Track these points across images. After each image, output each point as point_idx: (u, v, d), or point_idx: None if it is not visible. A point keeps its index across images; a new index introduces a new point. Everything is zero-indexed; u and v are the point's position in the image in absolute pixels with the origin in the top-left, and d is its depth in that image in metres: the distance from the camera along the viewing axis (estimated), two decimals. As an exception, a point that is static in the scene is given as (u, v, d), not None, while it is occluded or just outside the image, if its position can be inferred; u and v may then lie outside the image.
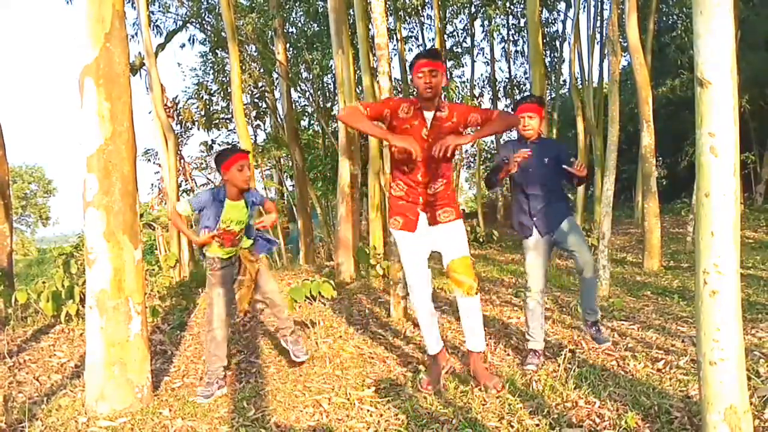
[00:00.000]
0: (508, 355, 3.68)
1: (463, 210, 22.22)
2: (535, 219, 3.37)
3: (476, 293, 3.02)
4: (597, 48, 15.14)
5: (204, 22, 14.34)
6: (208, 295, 3.33)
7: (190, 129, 16.00)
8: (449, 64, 17.20)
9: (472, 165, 24.09)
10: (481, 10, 15.71)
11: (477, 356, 3.10)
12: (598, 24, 14.56)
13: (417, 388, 3.08)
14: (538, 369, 3.29)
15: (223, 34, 12.30)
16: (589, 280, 3.49)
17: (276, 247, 3.66)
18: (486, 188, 3.57)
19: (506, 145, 3.59)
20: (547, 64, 16.98)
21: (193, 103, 15.20)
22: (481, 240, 12.99)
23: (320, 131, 16.92)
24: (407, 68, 3.54)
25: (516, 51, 18.56)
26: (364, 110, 2.88)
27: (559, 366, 3.20)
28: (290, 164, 15.83)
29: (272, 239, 3.61)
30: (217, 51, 15.40)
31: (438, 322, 3.18)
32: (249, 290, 3.35)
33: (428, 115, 2.97)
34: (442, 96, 3.09)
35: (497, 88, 18.42)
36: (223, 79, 14.95)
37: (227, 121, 16.26)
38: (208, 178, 18.59)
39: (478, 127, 2.99)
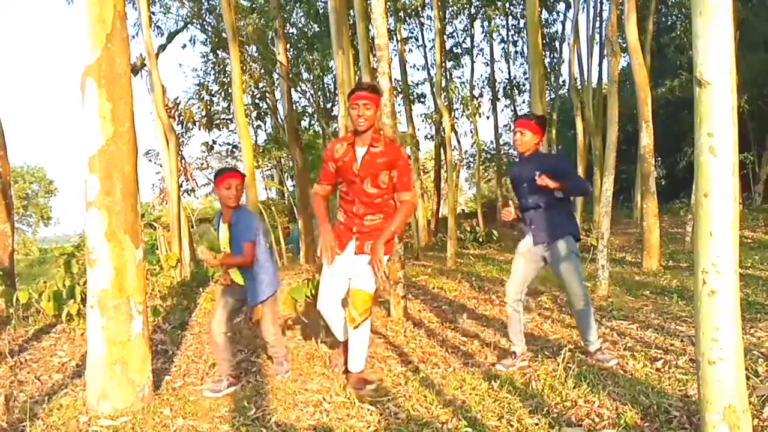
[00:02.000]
0: (507, 354, 3.68)
1: (463, 210, 22.24)
2: (532, 227, 3.44)
3: (356, 327, 3.14)
4: (596, 48, 15.19)
5: (205, 22, 14.35)
6: (216, 302, 3.46)
7: (191, 129, 15.98)
8: (449, 64, 17.21)
9: (471, 165, 24.11)
10: (481, 11, 15.73)
11: (352, 375, 3.25)
12: (598, 25, 14.59)
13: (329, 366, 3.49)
14: (506, 369, 3.38)
15: (224, 34, 12.30)
16: (578, 311, 3.41)
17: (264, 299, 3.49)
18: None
19: (511, 166, 3.70)
20: (547, 65, 16.98)
21: (194, 104, 15.19)
22: (480, 240, 13.00)
23: (321, 132, 16.93)
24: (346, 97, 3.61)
25: (515, 51, 18.56)
26: (322, 187, 3.28)
27: (558, 365, 3.21)
28: (291, 164, 15.84)
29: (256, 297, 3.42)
30: (218, 51, 15.40)
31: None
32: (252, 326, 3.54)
33: (360, 150, 3.10)
34: (380, 131, 3.22)
35: (497, 88, 18.44)
36: (224, 79, 14.94)
37: (228, 121, 16.25)
38: (208, 179, 18.60)
39: (388, 183, 3.15)
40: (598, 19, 14.57)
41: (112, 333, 2.98)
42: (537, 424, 2.53)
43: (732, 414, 1.86)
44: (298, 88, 14.97)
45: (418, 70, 19.27)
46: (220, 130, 16.71)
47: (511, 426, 2.55)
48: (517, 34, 17.92)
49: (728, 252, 1.83)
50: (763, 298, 4.87)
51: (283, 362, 3.57)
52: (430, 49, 17.05)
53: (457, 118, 17.13)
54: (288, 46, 13.83)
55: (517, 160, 3.74)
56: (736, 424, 1.86)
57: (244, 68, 13.45)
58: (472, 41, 17.61)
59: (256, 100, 16.23)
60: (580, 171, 12.52)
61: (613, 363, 3.31)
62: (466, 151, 21.99)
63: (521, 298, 3.48)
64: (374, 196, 3.14)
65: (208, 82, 16.25)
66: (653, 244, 7.27)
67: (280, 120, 15.71)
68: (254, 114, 16.55)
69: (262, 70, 14.69)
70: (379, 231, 3.14)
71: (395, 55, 14.69)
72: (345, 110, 7.27)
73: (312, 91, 16.37)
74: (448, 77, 16.96)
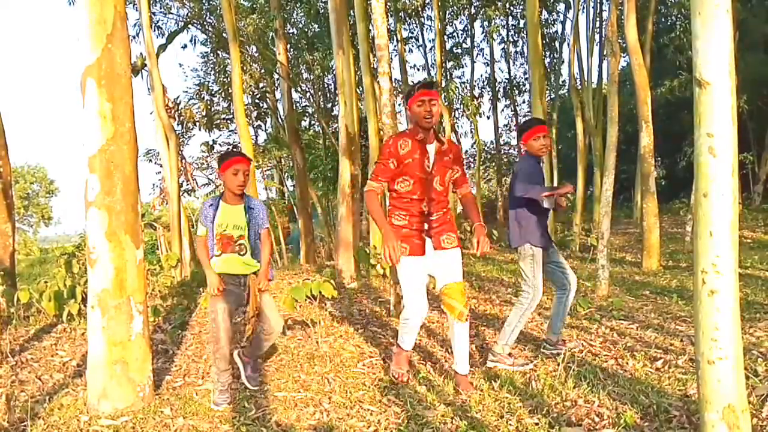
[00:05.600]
0: (508, 354, 3.68)
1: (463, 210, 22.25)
2: (548, 233, 3.52)
3: (466, 319, 3.07)
4: (596, 49, 15.18)
5: (205, 23, 14.37)
6: (211, 311, 3.13)
7: (192, 129, 16.01)
8: (449, 64, 17.22)
9: (471, 165, 24.10)
10: (481, 11, 15.74)
11: (462, 378, 3.10)
12: (597, 25, 14.59)
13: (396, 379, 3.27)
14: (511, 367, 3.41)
15: (224, 34, 12.31)
16: (570, 296, 3.55)
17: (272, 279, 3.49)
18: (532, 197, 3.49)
19: (534, 164, 3.59)
20: (547, 65, 16.99)
21: (195, 104, 15.21)
22: (480, 240, 13.00)
23: (321, 131, 16.93)
24: (404, 99, 3.56)
25: (516, 52, 18.60)
26: (380, 185, 3.06)
27: (558, 365, 3.22)
28: (291, 164, 15.85)
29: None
30: (218, 52, 15.43)
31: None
32: (254, 322, 3.32)
33: (430, 147, 3.04)
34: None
35: (497, 88, 18.45)
36: (224, 79, 14.96)
37: (228, 121, 16.27)
38: (209, 179, 18.60)
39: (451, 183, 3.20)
40: (597, 19, 14.57)
41: (112, 333, 2.98)
42: (537, 424, 2.54)
43: (731, 413, 1.86)
44: (299, 88, 14.98)
45: (418, 70, 19.30)
46: (220, 130, 16.75)
47: (511, 425, 2.55)
48: (517, 35, 17.96)
49: (728, 252, 1.84)
50: (763, 298, 4.87)
51: (259, 368, 3.50)
52: (430, 49, 17.07)
53: (457, 118, 17.17)
54: (288, 46, 13.85)
55: (523, 160, 3.73)
56: (736, 424, 1.86)
57: (245, 68, 13.47)
58: (472, 41, 17.64)
59: (257, 100, 16.25)
60: (580, 171, 12.52)
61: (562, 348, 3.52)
62: (466, 151, 21.98)
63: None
64: (441, 194, 3.10)
65: (209, 82, 16.29)
66: (653, 244, 7.28)
67: (280, 120, 15.72)
68: (254, 114, 16.58)
69: (263, 70, 14.71)
70: (448, 225, 3.12)
71: (395, 55, 14.69)
72: (345, 110, 7.28)
73: (312, 91, 16.38)
74: (449, 77, 16.98)
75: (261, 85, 15.32)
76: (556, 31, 17.89)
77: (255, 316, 3.30)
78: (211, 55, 16.05)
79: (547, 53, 17.35)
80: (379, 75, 5.06)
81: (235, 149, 17.58)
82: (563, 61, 17.52)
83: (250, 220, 3.25)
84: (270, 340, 3.40)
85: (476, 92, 18.65)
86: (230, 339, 3.12)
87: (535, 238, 3.40)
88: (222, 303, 3.09)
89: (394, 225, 3.07)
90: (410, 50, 16.59)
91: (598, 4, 14.45)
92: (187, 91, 17.17)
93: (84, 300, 4.79)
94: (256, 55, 14.54)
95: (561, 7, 16.84)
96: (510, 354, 3.49)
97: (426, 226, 3.07)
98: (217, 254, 3.22)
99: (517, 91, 19.28)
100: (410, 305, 3.08)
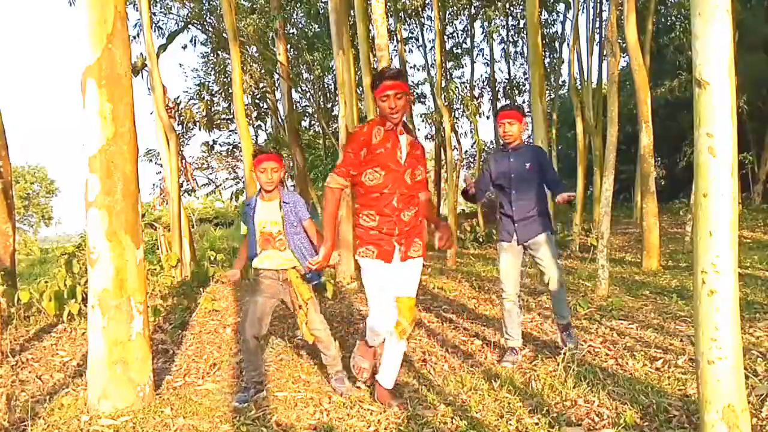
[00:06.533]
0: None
1: (463, 210, 22.26)
2: (517, 226, 3.49)
3: (406, 337, 2.93)
4: (596, 49, 15.17)
5: (205, 23, 14.36)
6: (246, 302, 3.31)
7: (192, 129, 16.02)
8: (449, 64, 17.22)
9: (472, 165, 24.09)
10: (481, 12, 15.74)
11: (381, 389, 2.95)
12: (597, 25, 14.58)
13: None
14: (514, 365, 3.43)
15: (224, 35, 12.30)
16: (554, 292, 3.56)
17: (321, 280, 3.47)
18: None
19: (488, 158, 3.80)
20: (547, 65, 16.99)
21: (195, 104, 15.20)
22: (480, 240, 13.01)
23: (321, 132, 16.94)
24: (370, 87, 3.45)
25: (515, 52, 18.58)
26: (343, 181, 2.82)
27: (558, 365, 3.22)
28: (291, 164, 15.86)
29: (319, 273, 3.34)
30: (218, 52, 15.42)
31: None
32: (305, 315, 3.20)
33: (402, 138, 2.85)
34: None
35: (497, 88, 18.44)
36: (225, 79, 14.96)
37: (228, 121, 16.28)
38: (209, 179, 18.62)
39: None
40: (597, 19, 14.57)
41: (112, 333, 2.99)
42: (537, 424, 2.54)
43: (731, 413, 1.87)
44: (299, 89, 14.99)
45: (418, 70, 19.29)
46: (220, 130, 16.76)
47: (511, 426, 2.56)
48: (517, 35, 17.94)
49: (727, 252, 1.84)
50: (762, 298, 4.88)
51: (343, 379, 3.25)
52: (430, 49, 17.05)
53: (457, 118, 17.15)
54: (288, 46, 13.85)
55: (488, 155, 3.85)
56: (735, 423, 1.87)
57: (245, 68, 13.48)
58: (472, 41, 17.61)
59: (257, 101, 16.26)
60: (580, 171, 12.51)
61: (570, 346, 3.44)
62: (466, 151, 21.96)
63: (518, 290, 3.61)
64: (412, 188, 2.88)
65: (209, 82, 16.29)
66: (653, 244, 7.28)
67: (280, 120, 15.73)
68: (255, 114, 16.58)
69: (263, 71, 14.72)
70: (418, 228, 2.92)
71: (395, 55, 14.68)
72: (345, 110, 7.28)
73: (312, 91, 16.38)
74: (448, 77, 16.97)
75: (261, 85, 15.33)
76: (556, 31, 17.88)
77: (301, 307, 3.21)
78: (212, 55, 16.06)
79: (547, 53, 17.33)
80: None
81: (235, 148, 17.61)
82: (563, 61, 17.54)
83: (286, 214, 3.21)
84: (328, 350, 3.29)
85: (476, 92, 18.64)
86: (255, 333, 3.15)
87: (500, 234, 3.58)
88: (257, 296, 3.20)
89: (362, 227, 2.86)
90: (410, 50, 16.60)
91: (598, 4, 14.44)
92: (187, 91, 17.19)
93: (84, 300, 4.80)
94: (257, 55, 14.54)
95: (561, 7, 16.81)
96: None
97: (397, 230, 2.81)
98: (258, 252, 3.21)
99: (517, 91, 19.26)
100: (373, 316, 2.90)
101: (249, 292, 3.25)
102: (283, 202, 3.23)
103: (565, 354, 3.29)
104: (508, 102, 19.25)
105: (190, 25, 14.12)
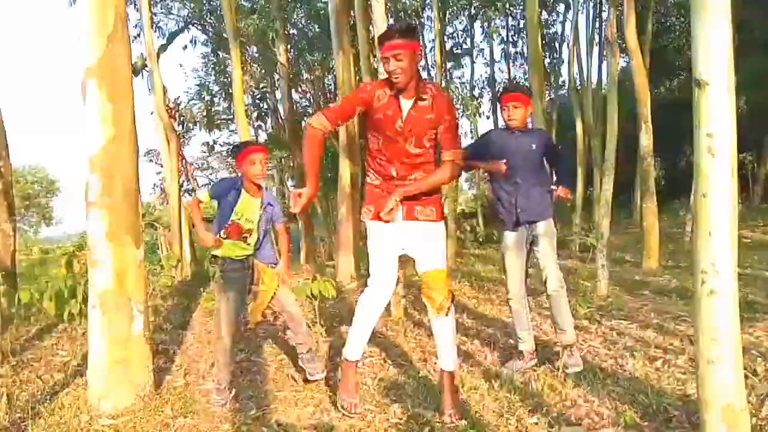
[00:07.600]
0: (510, 354, 3.69)
1: (463, 210, 22.24)
2: (519, 210, 3.29)
3: (447, 313, 2.68)
4: (596, 49, 15.17)
5: (206, 23, 14.38)
6: (217, 301, 3.15)
7: (192, 129, 16.03)
8: (449, 65, 17.22)
9: (472, 165, 24.03)
10: (481, 12, 15.74)
11: (445, 375, 2.75)
12: (597, 26, 14.59)
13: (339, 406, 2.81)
14: (515, 372, 3.27)
15: (224, 35, 12.31)
16: (553, 294, 3.28)
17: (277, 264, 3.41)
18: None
19: (490, 132, 3.65)
20: (547, 66, 16.98)
21: (195, 104, 15.23)
22: (480, 240, 13.01)
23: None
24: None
25: (515, 52, 18.56)
26: (325, 123, 2.59)
27: (557, 369, 3.21)
28: (291, 164, 15.86)
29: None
30: (218, 52, 15.42)
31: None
32: (263, 302, 3.20)
33: (405, 103, 2.59)
34: (426, 80, 2.74)
35: (497, 89, 18.43)
36: (225, 80, 14.96)
37: (229, 121, 16.29)
38: (209, 179, 18.62)
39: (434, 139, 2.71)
40: (597, 20, 14.58)
41: (113, 332, 2.99)
42: (537, 424, 2.54)
43: (730, 413, 1.87)
44: (299, 89, 14.98)
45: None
46: (220, 130, 16.77)
47: (511, 426, 2.56)
48: (517, 35, 17.93)
49: (727, 252, 1.84)
50: (762, 298, 4.88)
51: (314, 358, 3.33)
52: (430, 49, 17.04)
53: (457, 118, 17.12)
54: (289, 46, 13.85)
55: (490, 131, 3.74)
56: (735, 423, 1.87)
57: (245, 69, 13.47)
58: (472, 42, 17.62)
59: (257, 101, 16.25)
60: (580, 171, 12.52)
61: (573, 370, 3.16)
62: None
63: (525, 291, 3.43)
64: (416, 156, 2.65)
65: (209, 82, 16.29)
66: (653, 243, 7.28)
67: (280, 120, 15.73)
68: (255, 114, 16.57)
69: (263, 71, 14.72)
70: (427, 195, 2.72)
71: (395, 55, 14.67)
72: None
73: (312, 92, 16.37)
74: (449, 78, 16.97)
75: (261, 85, 15.33)
76: (556, 32, 17.88)
77: (265, 298, 3.21)
78: (212, 55, 16.06)
79: (547, 54, 17.33)
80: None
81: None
82: (563, 62, 17.53)
83: (263, 216, 3.19)
84: (299, 327, 3.28)
85: (476, 92, 18.64)
86: (234, 331, 3.12)
87: (503, 224, 3.39)
88: (229, 292, 3.10)
89: (368, 183, 2.78)
90: (410, 50, 16.52)
91: (598, 5, 14.45)
92: (187, 92, 17.19)
93: (85, 300, 4.79)
94: (257, 55, 14.55)
95: (561, 7, 16.84)
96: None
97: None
98: (223, 237, 3.12)
99: (517, 92, 19.24)
100: (371, 278, 2.72)
101: (216, 290, 3.16)
102: (268, 204, 3.22)
103: (564, 365, 3.20)
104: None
105: (190, 26, 14.14)
